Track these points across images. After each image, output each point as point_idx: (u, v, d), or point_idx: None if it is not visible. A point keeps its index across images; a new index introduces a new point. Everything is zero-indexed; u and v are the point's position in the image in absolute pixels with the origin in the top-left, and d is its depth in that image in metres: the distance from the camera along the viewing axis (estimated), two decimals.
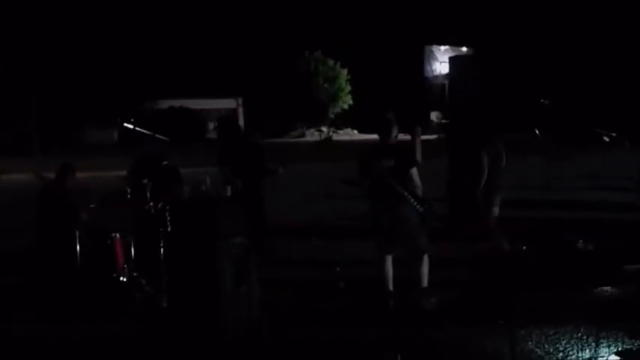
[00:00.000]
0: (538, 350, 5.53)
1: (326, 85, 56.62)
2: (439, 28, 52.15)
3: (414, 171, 6.78)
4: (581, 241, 7.22)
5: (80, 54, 44.34)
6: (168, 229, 6.95)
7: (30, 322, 6.57)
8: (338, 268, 8.05)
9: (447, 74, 52.02)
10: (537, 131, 10.05)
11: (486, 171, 8.32)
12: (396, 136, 6.96)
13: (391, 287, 6.90)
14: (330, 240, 10.34)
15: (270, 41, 53.91)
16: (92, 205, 7.61)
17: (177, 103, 48.54)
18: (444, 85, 53.58)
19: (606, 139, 7.78)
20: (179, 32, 51.87)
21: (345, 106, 57.40)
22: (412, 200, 6.70)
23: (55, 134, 38.44)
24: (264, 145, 9.37)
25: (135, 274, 7.18)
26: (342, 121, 57.24)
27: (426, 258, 6.89)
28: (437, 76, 54.13)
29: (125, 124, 8.37)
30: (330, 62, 56.81)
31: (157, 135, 8.50)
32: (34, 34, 41.16)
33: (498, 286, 7.19)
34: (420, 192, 6.78)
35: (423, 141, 10.10)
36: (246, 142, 9.12)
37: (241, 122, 35.84)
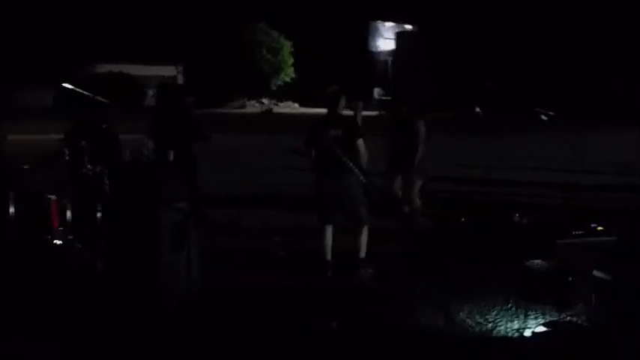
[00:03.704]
0: (469, 320, 5.69)
1: (269, 57, 56.23)
2: (385, 4, 52.23)
3: (361, 142, 6.86)
4: (517, 215, 7.46)
5: (16, 13, 42.83)
6: (107, 193, 6.83)
7: None
8: (277, 238, 8.09)
9: (390, 51, 52.47)
10: (478, 109, 10.26)
11: (423, 142, 8.49)
12: (343, 108, 7.03)
13: (329, 257, 6.98)
14: (272, 209, 10.37)
15: (214, 10, 53.08)
16: (26, 167, 7.41)
17: (115, 68, 47.47)
18: (387, 61, 53.98)
19: (544, 117, 8.02)
20: None
21: (288, 79, 57.17)
22: (356, 171, 6.78)
23: None
24: (195, 111, 9.36)
25: (70, 237, 7.04)
26: (284, 93, 57.03)
27: (365, 229, 6.99)
28: (380, 53, 54.33)
29: (65, 85, 8.13)
30: (274, 34, 56.39)
31: (97, 97, 8.31)
32: None
33: (434, 258, 7.38)
34: (364, 164, 6.86)
35: (365, 116, 10.25)
36: (178, 107, 9.10)
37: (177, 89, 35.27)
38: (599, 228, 6.29)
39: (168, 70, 52.46)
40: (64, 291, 6.21)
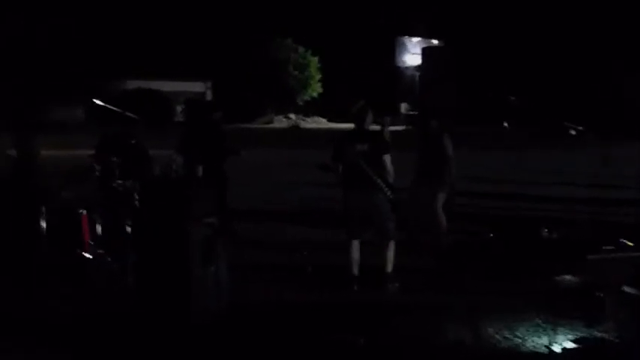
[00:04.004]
0: (497, 336, 5.65)
1: (296, 73, 56.57)
2: (412, 20, 52.34)
3: (387, 157, 6.87)
4: (545, 230, 7.40)
5: (48, 29, 43.62)
6: (136, 207, 6.93)
7: None
8: (305, 252, 8.11)
9: (417, 66, 52.47)
10: (506, 124, 10.22)
11: (451, 156, 8.48)
12: (370, 123, 7.06)
13: (357, 271, 6.99)
14: (300, 225, 10.41)
15: (241, 26, 53.61)
16: (59, 182, 7.55)
17: (144, 84, 48.05)
18: (414, 76, 53.99)
19: (573, 132, 7.96)
20: (150, 12, 51.28)
21: (315, 94, 57.45)
22: (384, 186, 6.79)
23: (20, 111, 37.72)
24: (224, 126, 9.46)
25: (101, 251, 7.14)
26: (311, 109, 57.29)
27: (392, 244, 6.99)
28: (408, 68, 54.37)
29: (95, 101, 8.27)
30: (301, 50, 56.75)
31: (126, 113, 8.43)
32: None
33: (461, 273, 7.34)
34: (391, 179, 6.87)
35: (392, 131, 10.26)
36: (207, 123, 9.21)
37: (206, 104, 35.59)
38: (630, 244, 6.23)
39: (196, 86, 53.02)
40: (93, 304, 6.30)
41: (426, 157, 8.71)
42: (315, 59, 56.73)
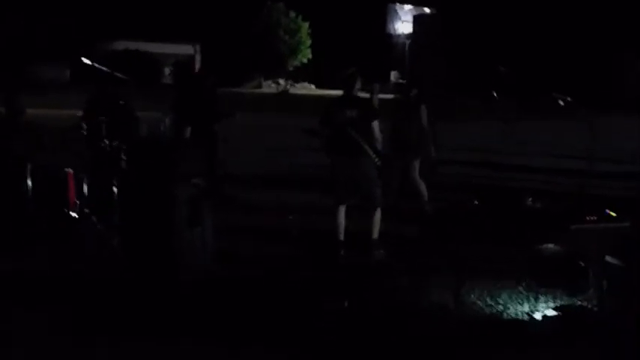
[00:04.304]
0: (479, 302, 5.72)
1: (286, 38, 56.12)
2: None
3: (376, 124, 6.87)
4: (530, 199, 7.46)
5: None
6: (123, 167, 6.91)
7: None
8: (291, 217, 8.14)
9: (408, 34, 52.19)
10: (495, 94, 10.23)
11: (425, 126, 8.50)
12: (359, 90, 7.04)
13: (342, 237, 7.02)
14: (288, 189, 10.44)
15: None
16: (46, 140, 7.50)
17: (133, 45, 47.56)
18: (405, 44, 53.72)
19: (561, 103, 7.99)
20: None
21: (305, 60, 57.08)
22: (371, 153, 6.80)
23: (5, 70, 37.39)
24: (216, 90, 9.40)
25: (87, 210, 7.14)
26: (300, 74, 56.98)
27: (378, 210, 7.02)
28: (398, 36, 54.07)
29: (83, 59, 8.19)
30: (292, 14, 56.25)
31: (115, 73, 8.37)
32: None
33: (446, 240, 7.40)
34: (379, 145, 6.88)
35: (381, 99, 10.24)
36: (199, 86, 9.15)
37: (197, 69, 35.34)
38: (613, 214, 6.29)
39: (185, 49, 52.50)
40: (79, 263, 6.31)
41: (402, 126, 8.71)
42: (306, 24, 56.26)
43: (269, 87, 53.72)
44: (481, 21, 41.89)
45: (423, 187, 8.64)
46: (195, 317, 5.26)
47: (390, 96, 12.80)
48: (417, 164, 8.65)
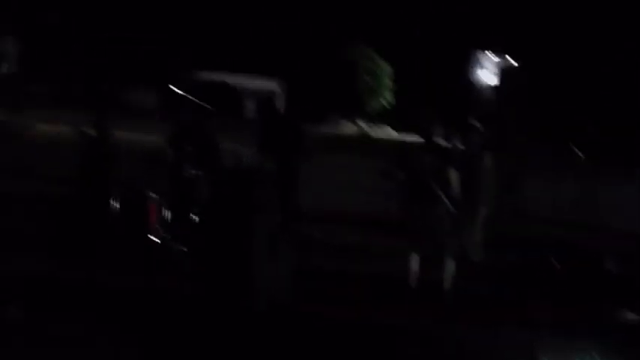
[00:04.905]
0: None
1: (368, 79, 56.51)
2: (489, 36, 51.70)
3: (453, 173, 6.83)
4: (611, 262, 7.21)
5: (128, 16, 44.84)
6: (205, 197, 7.09)
7: (60, 268, 6.76)
8: (365, 259, 8.11)
9: (491, 84, 51.79)
10: (579, 152, 10.01)
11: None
12: (439, 137, 7.04)
13: (414, 284, 6.97)
14: (364, 231, 10.39)
15: (317, 28, 53.83)
16: (133, 164, 7.76)
17: (217, 77, 48.72)
18: (487, 94, 53.33)
19: None
20: (226, 6, 51.95)
21: (385, 103, 57.27)
22: (447, 201, 6.76)
23: (96, 92, 39.02)
24: (301, 126, 9.54)
25: (167, 236, 7.32)
26: (380, 117, 57.10)
27: (452, 260, 6.94)
28: (482, 85, 53.66)
29: (172, 88, 8.49)
30: (376, 57, 56.69)
31: (202, 104, 8.62)
32: None
33: (521, 298, 7.24)
34: (455, 194, 6.83)
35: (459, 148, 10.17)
36: (282, 122, 9.31)
37: (280, 105, 35.95)
38: None
39: (268, 85, 53.45)
40: (154, 285, 6.46)
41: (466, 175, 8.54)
42: (388, 67, 56.56)
43: (348, 128, 54.02)
44: (568, 76, 41.23)
45: (479, 239, 8.46)
46: (264, 342, 5.28)
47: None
48: (479, 216, 8.48)
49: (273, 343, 5.41)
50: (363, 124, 53.82)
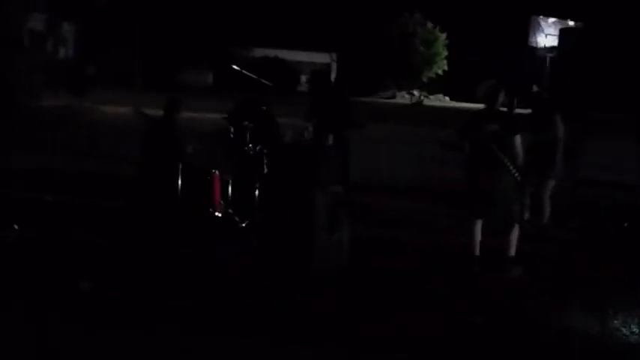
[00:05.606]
0: (623, 329, 5.49)
1: (422, 48, 55.83)
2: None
3: (517, 139, 6.72)
4: None
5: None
6: (265, 171, 7.19)
7: (128, 242, 6.99)
8: (425, 229, 8.11)
9: (551, 47, 50.42)
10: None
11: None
12: (501, 103, 6.94)
13: (477, 252, 6.92)
14: (422, 201, 10.37)
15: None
16: (196, 141, 7.90)
17: (271, 52, 48.90)
18: (547, 57, 51.98)
19: None
20: None
21: (440, 72, 56.54)
22: (512, 169, 6.67)
23: (153, 71, 39.75)
24: (349, 99, 9.56)
25: (230, 210, 7.46)
26: (435, 86, 56.44)
27: (516, 227, 6.86)
28: (541, 49, 52.30)
29: (233, 66, 8.61)
30: (429, 25, 55.91)
31: (261, 80, 8.70)
32: None
33: (586, 262, 7.14)
34: (520, 161, 6.73)
35: (520, 114, 10.01)
36: (333, 95, 9.35)
37: (333, 78, 35.94)
38: None
39: (322, 57, 53.40)
40: (219, 260, 6.60)
41: (536, 139, 8.36)
42: (443, 36, 55.73)
43: (403, 98, 53.59)
44: (630, 37, 39.87)
45: (548, 209, 8.32)
46: (319, 312, 5.37)
47: (527, 111, 12.55)
48: (550, 183, 8.34)
49: (333, 312, 5.47)
50: (417, 93, 53.35)
